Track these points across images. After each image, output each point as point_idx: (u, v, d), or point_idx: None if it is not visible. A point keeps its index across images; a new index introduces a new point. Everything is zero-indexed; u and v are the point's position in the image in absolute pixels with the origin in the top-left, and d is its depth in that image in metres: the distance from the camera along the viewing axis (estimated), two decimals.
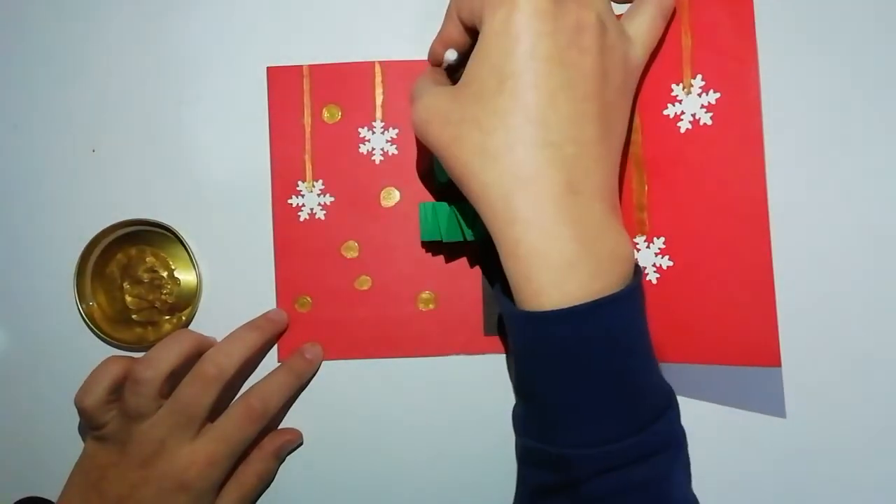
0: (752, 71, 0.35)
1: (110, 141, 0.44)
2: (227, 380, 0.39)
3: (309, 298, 0.43)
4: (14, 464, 0.44)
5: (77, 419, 0.43)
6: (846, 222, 0.40)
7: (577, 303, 0.30)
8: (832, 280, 0.40)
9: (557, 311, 0.30)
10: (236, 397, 0.41)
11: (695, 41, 0.35)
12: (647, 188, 0.37)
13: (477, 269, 0.43)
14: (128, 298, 0.43)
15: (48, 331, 0.44)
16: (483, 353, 0.42)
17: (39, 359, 0.44)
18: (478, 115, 0.31)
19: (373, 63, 0.43)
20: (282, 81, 0.43)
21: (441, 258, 0.43)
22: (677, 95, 0.36)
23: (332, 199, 0.43)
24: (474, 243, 0.42)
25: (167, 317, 0.43)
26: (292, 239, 0.43)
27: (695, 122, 0.36)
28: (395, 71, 0.43)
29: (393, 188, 0.43)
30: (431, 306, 0.42)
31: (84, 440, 0.41)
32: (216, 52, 0.43)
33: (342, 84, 0.43)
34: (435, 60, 0.38)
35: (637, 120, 0.37)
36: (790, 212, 0.40)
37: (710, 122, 0.35)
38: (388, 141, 0.42)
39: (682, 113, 0.36)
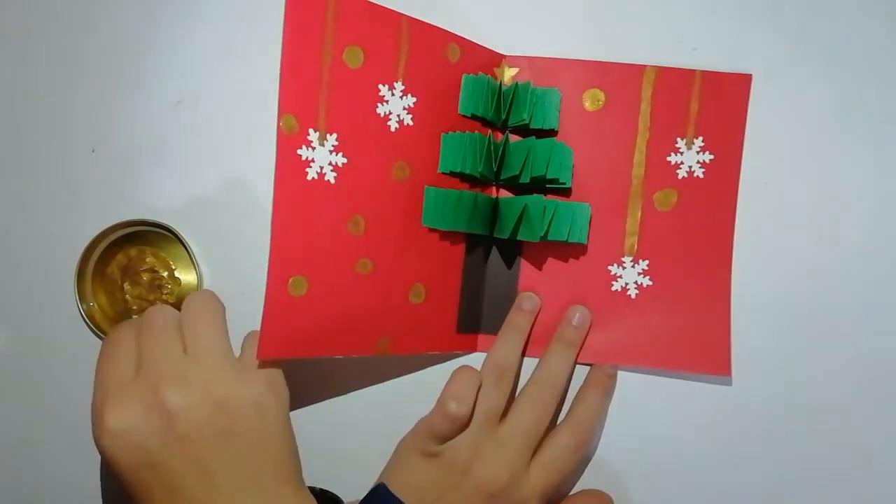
0: (736, 146, 0.41)
1: (110, 141, 0.43)
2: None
3: (305, 279, 0.36)
4: (13, 464, 0.44)
5: (76, 420, 0.43)
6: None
7: None
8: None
9: None
10: (561, 426, 0.40)
11: (700, 108, 0.41)
12: (640, 217, 0.42)
13: (458, 264, 0.42)
14: (128, 299, 0.43)
15: (48, 331, 0.44)
16: (455, 351, 0.42)
17: (39, 359, 0.44)
18: None
19: (401, 16, 0.38)
20: (304, 4, 0.35)
21: (434, 247, 0.41)
22: (680, 147, 0.41)
23: (346, 160, 0.37)
24: (466, 237, 0.42)
25: None
26: (296, 200, 0.36)
27: (690, 172, 0.41)
28: (423, 35, 0.39)
29: (404, 163, 0.39)
30: (420, 300, 0.41)
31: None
32: (216, 52, 0.43)
33: (369, 26, 0.37)
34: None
35: (643, 159, 0.41)
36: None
37: (702, 176, 0.41)
38: (405, 108, 0.39)
39: (682, 163, 0.42)
